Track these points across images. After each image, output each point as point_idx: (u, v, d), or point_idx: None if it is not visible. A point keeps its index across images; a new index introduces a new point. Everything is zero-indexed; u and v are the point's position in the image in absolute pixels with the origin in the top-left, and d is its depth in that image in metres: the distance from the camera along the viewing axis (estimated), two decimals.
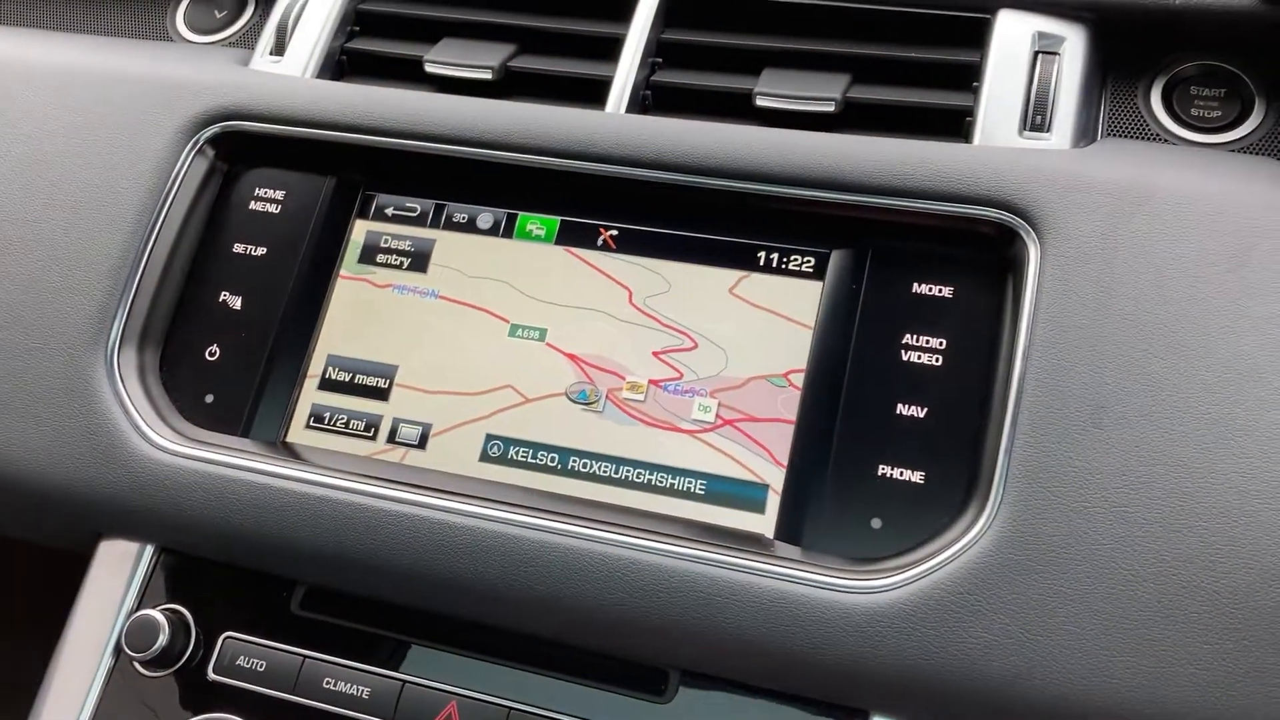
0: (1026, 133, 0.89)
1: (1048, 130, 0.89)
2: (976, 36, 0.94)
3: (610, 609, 0.80)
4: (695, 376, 0.88)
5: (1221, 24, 0.91)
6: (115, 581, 0.92)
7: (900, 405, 0.83)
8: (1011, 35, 0.92)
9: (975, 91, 0.92)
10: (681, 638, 0.79)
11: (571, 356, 0.90)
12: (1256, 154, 0.92)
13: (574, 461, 0.87)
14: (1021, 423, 0.77)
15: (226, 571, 0.91)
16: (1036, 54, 0.92)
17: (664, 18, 1.01)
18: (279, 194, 0.99)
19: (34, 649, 0.98)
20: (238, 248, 0.97)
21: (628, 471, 0.86)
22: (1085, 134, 0.91)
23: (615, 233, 0.93)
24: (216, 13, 1.17)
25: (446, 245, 0.95)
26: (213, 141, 0.98)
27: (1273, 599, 0.71)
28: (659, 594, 0.79)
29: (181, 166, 0.97)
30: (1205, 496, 0.73)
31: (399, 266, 0.95)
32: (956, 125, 0.92)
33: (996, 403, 0.79)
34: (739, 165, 0.87)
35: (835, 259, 0.88)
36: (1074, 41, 0.92)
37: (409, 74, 1.03)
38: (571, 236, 0.93)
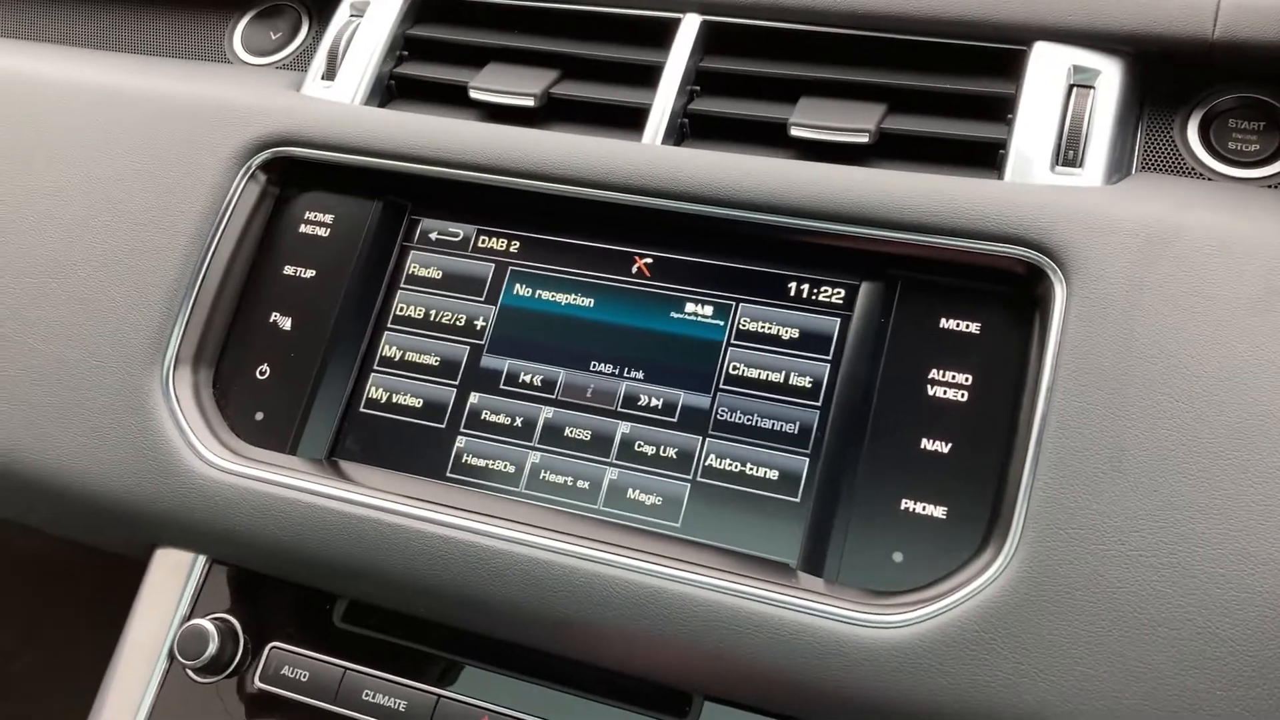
0: (1059, 168, 0.89)
1: (1080, 165, 0.89)
2: (1012, 68, 0.94)
3: (636, 634, 0.82)
4: None
5: (1260, 56, 0.90)
6: (170, 590, 0.97)
7: (925, 439, 0.84)
8: (1047, 68, 0.92)
9: (1009, 124, 0.92)
10: (705, 665, 0.82)
11: None
12: None
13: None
14: (1042, 463, 0.78)
15: (274, 583, 0.95)
16: (1071, 87, 0.92)
17: (704, 45, 1.02)
18: (328, 217, 1.02)
19: (96, 646, 1.04)
20: (288, 270, 1.01)
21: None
22: (1118, 169, 0.90)
23: (650, 260, 0.95)
24: (273, 34, 1.20)
25: None
26: (264, 166, 1.02)
27: None
28: (684, 622, 0.81)
29: (235, 191, 1.00)
30: (1225, 543, 0.74)
31: None
32: (990, 157, 0.92)
33: (1019, 441, 0.80)
34: (769, 200, 0.89)
35: (864, 291, 0.89)
36: (1109, 74, 0.92)
37: (455, 99, 1.06)
38: (608, 263, 0.96)
